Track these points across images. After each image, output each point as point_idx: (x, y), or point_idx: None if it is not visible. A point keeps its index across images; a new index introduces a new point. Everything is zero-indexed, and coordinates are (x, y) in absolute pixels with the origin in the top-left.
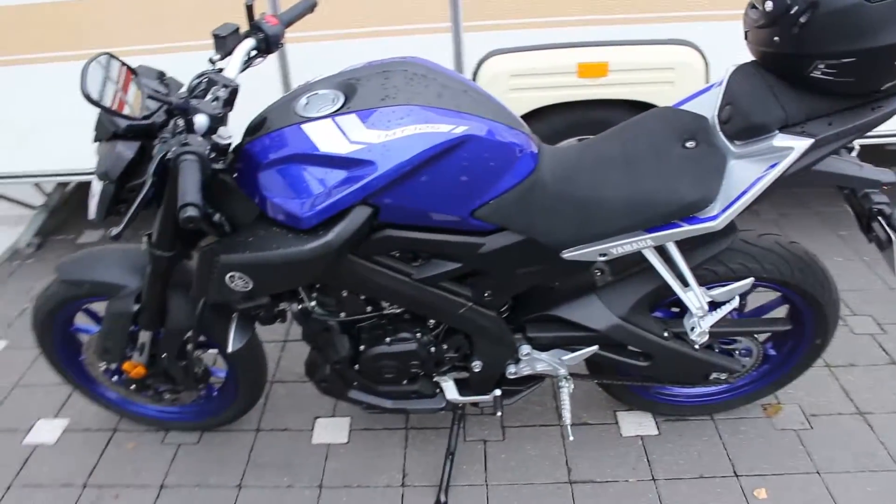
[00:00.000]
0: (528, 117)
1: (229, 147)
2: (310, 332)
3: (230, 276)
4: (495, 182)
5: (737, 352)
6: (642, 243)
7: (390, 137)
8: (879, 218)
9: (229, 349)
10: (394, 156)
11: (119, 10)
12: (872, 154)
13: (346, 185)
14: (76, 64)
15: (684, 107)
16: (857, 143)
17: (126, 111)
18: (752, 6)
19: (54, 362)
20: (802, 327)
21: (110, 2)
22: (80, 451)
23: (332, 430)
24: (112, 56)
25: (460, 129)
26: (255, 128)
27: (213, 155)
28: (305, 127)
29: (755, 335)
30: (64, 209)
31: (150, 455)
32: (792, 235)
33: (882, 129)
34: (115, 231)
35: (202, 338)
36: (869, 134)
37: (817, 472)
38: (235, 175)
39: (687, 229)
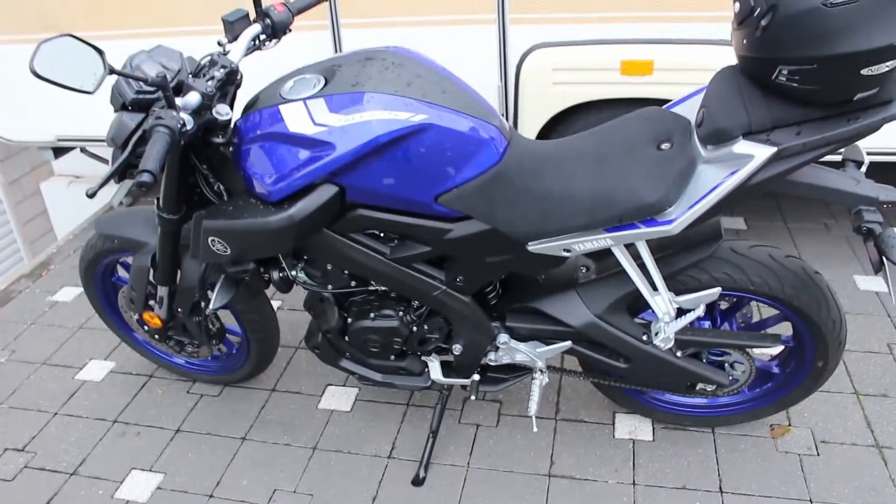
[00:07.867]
0: (570, 112)
1: (229, 123)
2: (308, 301)
3: (211, 240)
4: (457, 170)
5: (728, 364)
6: (602, 242)
7: (349, 122)
8: (870, 239)
9: (210, 307)
10: (351, 139)
11: None
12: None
13: (309, 164)
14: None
15: (677, 108)
16: (866, 157)
17: (86, 87)
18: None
19: (97, 308)
20: (803, 347)
21: None
22: (118, 391)
23: (339, 398)
24: (74, 37)
25: (419, 118)
26: (250, 106)
27: (186, 128)
28: (282, 108)
29: (745, 349)
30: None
31: (174, 402)
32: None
33: None
34: (90, 190)
35: None
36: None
37: (809, 500)
38: (232, 149)
39: (644, 231)
